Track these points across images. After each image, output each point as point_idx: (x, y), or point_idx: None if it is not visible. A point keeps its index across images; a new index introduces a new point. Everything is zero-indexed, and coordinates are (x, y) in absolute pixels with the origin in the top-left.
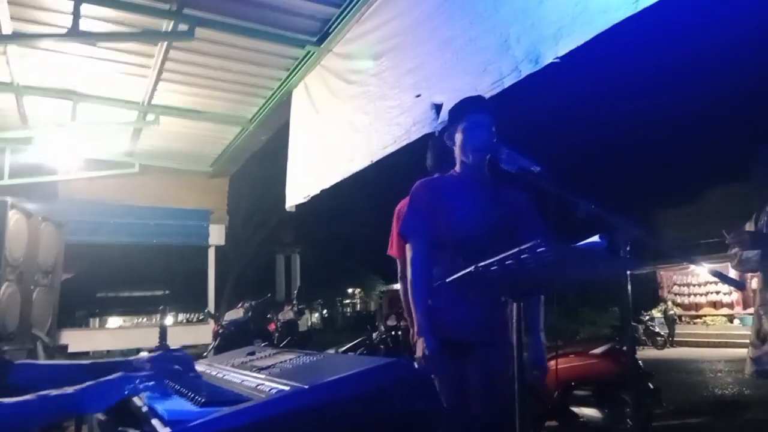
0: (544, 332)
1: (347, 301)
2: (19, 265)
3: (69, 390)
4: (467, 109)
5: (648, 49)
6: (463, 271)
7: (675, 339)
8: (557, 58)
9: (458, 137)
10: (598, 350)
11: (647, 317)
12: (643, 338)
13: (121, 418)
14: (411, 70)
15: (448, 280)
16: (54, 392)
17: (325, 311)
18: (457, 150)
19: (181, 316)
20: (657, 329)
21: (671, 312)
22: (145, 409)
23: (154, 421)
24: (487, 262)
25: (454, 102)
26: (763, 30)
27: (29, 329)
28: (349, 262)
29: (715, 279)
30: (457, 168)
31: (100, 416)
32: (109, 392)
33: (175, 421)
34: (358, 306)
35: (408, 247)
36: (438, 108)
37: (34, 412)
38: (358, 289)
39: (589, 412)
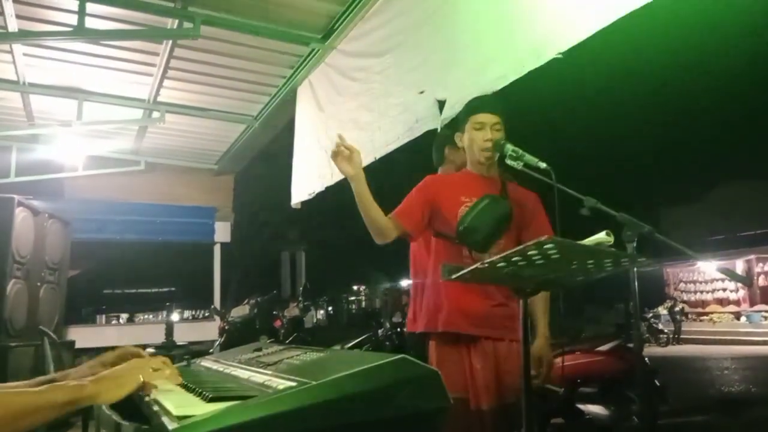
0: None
1: (352, 298)
2: (26, 262)
3: (85, 381)
4: (474, 108)
5: (654, 44)
6: (471, 267)
7: (681, 336)
8: (560, 53)
9: (466, 137)
10: (604, 347)
11: (650, 314)
12: (647, 335)
13: (127, 413)
14: (415, 67)
15: (454, 276)
16: (66, 383)
17: (330, 308)
18: (466, 149)
19: (187, 313)
20: (660, 326)
21: (677, 309)
22: (152, 403)
23: (162, 416)
24: (494, 258)
25: (457, 98)
26: None
27: (36, 326)
28: (354, 260)
29: (722, 276)
30: (468, 166)
31: (106, 410)
32: (125, 382)
33: (183, 416)
34: (363, 303)
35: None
36: (441, 104)
37: (45, 403)
38: (363, 287)
39: (595, 409)
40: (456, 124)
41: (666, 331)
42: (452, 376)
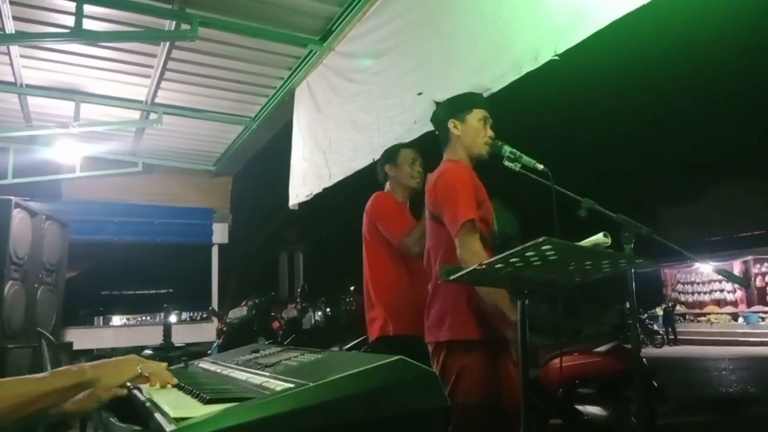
0: None
1: (350, 299)
2: (23, 263)
3: (85, 365)
4: (479, 101)
5: (651, 45)
6: (468, 269)
7: (678, 337)
8: (557, 55)
9: (467, 126)
10: (602, 348)
11: (645, 315)
12: (641, 336)
13: (125, 415)
14: (412, 68)
15: (452, 277)
16: (67, 368)
17: (328, 309)
18: (463, 140)
19: (184, 315)
20: (655, 327)
21: (670, 309)
22: (149, 405)
23: (159, 417)
24: (492, 259)
25: None
26: None
27: (34, 327)
28: (352, 260)
29: (719, 277)
30: (461, 159)
31: (104, 411)
32: (124, 369)
33: (180, 418)
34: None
35: (465, 232)
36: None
37: (47, 389)
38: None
39: (594, 409)
40: (449, 110)
41: (661, 332)
42: (489, 380)
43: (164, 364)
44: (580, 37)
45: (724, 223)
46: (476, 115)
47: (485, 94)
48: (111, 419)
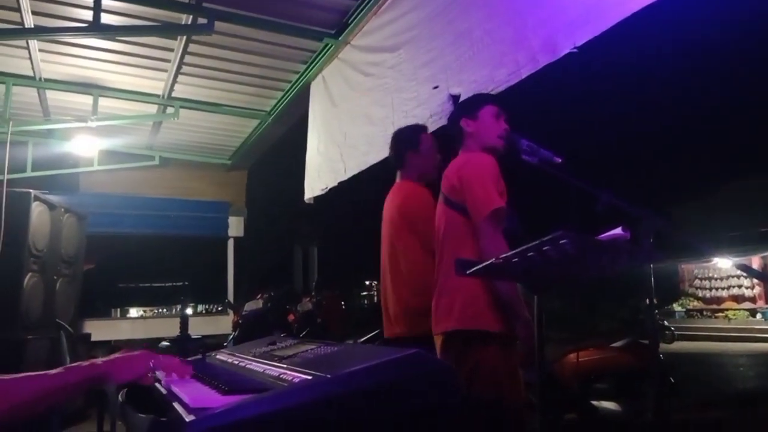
0: None
1: (365, 293)
2: (42, 255)
3: (97, 361)
4: (492, 98)
5: (669, 37)
6: (486, 263)
7: (677, 333)
8: (575, 47)
9: (479, 123)
10: (618, 343)
11: (656, 311)
12: None
13: (144, 405)
14: (428, 62)
15: (469, 272)
16: (79, 363)
17: (342, 303)
18: (476, 136)
19: (200, 307)
20: (666, 323)
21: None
22: (168, 395)
23: (178, 408)
24: (509, 253)
25: (471, 93)
26: None
27: (52, 318)
28: (367, 254)
29: (737, 272)
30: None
31: (122, 402)
32: (136, 364)
33: (199, 408)
34: (376, 298)
35: (493, 220)
36: (455, 99)
37: (59, 383)
38: (375, 281)
39: (609, 405)
40: (460, 110)
41: (671, 328)
42: (506, 374)
43: (176, 359)
44: (599, 30)
45: (742, 218)
46: (488, 111)
47: (502, 88)
48: (129, 409)
